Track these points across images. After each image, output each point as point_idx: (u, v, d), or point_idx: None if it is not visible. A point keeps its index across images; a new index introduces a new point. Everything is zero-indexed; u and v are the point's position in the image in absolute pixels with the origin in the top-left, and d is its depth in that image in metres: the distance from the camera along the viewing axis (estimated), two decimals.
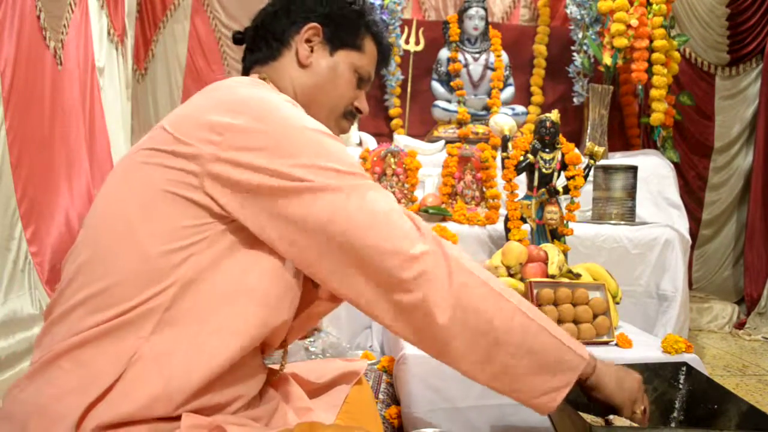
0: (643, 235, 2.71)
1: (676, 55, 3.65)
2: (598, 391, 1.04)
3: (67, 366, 0.81)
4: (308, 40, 1.09)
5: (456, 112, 3.59)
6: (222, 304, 0.85)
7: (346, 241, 0.85)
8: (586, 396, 1.06)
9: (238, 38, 1.16)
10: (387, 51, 1.19)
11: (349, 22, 1.11)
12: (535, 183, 2.43)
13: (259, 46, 1.11)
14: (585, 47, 3.71)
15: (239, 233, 0.87)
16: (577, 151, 2.51)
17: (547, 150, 2.44)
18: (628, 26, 3.39)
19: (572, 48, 3.83)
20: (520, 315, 0.93)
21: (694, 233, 4.11)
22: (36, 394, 0.81)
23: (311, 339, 2.20)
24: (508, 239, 2.46)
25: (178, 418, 0.82)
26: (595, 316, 2.00)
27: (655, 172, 3.22)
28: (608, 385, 1.03)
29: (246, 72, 1.13)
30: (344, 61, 1.10)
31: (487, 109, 3.67)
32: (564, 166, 2.46)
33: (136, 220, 0.85)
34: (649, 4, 3.47)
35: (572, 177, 2.47)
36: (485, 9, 3.74)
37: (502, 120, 2.80)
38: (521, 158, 2.45)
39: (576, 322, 1.97)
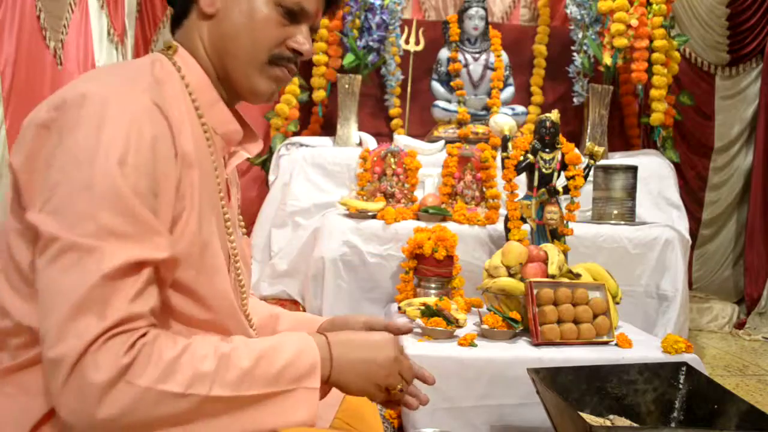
0: (643, 235, 2.70)
1: (676, 55, 3.65)
2: (347, 390, 0.87)
3: (10, 391, 0.77)
4: None
5: (456, 112, 3.58)
6: None
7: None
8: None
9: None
10: None
11: None
12: (535, 183, 2.43)
13: (173, 5, 0.95)
14: (585, 47, 3.71)
15: None
16: (577, 151, 2.51)
17: (547, 150, 2.44)
18: (628, 26, 3.39)
19: (572, 48, 3.82)
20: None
21: (694, 233, 4.10)
22: None
23: None
24: (508, 239, 2.46)
25: None
26: (595, 316, 2.00)
27: (655, 172, 3.22)
28: (351, 381, 0.86)
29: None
30: None
31: (487, 109, 3.67)
32: (564, 166, 2.46)
33: (8, 270, 0.80)
34: (649, 4, 3.46)
35: (572, 177, 2.47)
36: (485, 9, 3.74)
37: (502, 120, 2.80)
38: (521, 158, 2.45)
39: (576, 322, 1.97)
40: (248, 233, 1.07)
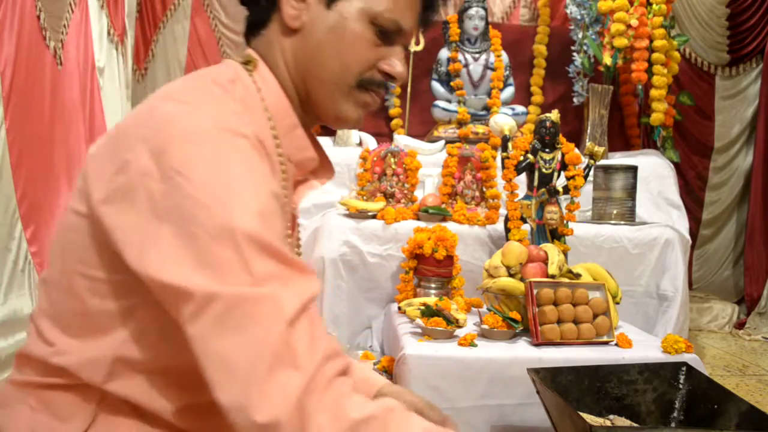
0: (643, 235, 2.71)
1: (676, 55, 3.65)
2: None
3: (34, 404, 0.74)
4: None
5: (456, 112, 3.58)
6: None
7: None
8: None
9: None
10: None
11: None
12: (535, 183, 2.43)
13: (250, 7, 0.85)
14: (585, 47, 3.71)
15: None
16: (577, 151, 2.51)
17: (547, 150, 2.44)
18: (628, 26, 3.39)
19: (572, 48, 3.82)
20: None
21: (694, 233, 4.11)
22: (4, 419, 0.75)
23: None
24: (508, 239, 2.46)
25: None
26: (595, 316, 2.00)
27: (655, 172, 3.22)
28: None
29: (248, 45, 0.88)
30: (349, 11, 0.79)
31: (487, 109, 3.67)
32: (564, 166, 2.46)
33: (74, 276, 0.74)
34: (649, 4, 3.47)
35: (572, 177, 2.47)
36: (485, 9, 3.74)
37: (502, 120, 2.79)
38: (521, 158, 2.45)
39: (576, 322, 1.97)
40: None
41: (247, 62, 0.82)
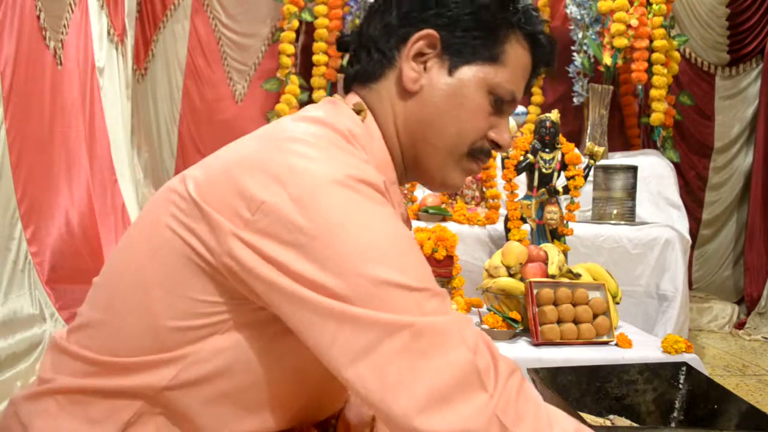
0: (643, 235, 2.70)
1: (676, 55, 3.65)
2: None
3: (52, 410, 0.73)
4: (419, 54, 0.79)
5: None
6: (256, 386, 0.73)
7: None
8: None
9: (340, 43, 0.88)
10: (548, 50, 0.86)
11: (481, 24, 0.78)
12: (535, 183, 2.43)
13: (359, 56, 0.83)
14: (585, 47, 3.71)
15: (264, 319, 0.70)
16: (577, 151, 2.51)
17: (547, 150, 2.44)
18: (628, 26, 3.39)
19: (572, 48, 3.82)
20: None
21: (694, 233, 4.11)
22: (28, 415, 0.75)
23: None
24: (508, 239, 2.46)
25: None
26: (595, 316, 2.00)
27: (655, 172, 3.22)
28: None
29: (347, 90, 0.86)
30: (471, 80, 0.78)
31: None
32: (564, 166, 2.46)
33: (154, 290, 0.71)
34: (649, 4, 3.47)
35: (572, 177, 2.47)
36: None
37: None
38: (521, 158, 2.45)
39: (576, 322, 1.97)
40: None
41: (358, 111, 0.80)
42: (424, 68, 0.79)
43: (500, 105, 0.80)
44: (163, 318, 0.70)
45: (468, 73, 0.78)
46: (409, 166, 0.84)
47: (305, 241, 0.64)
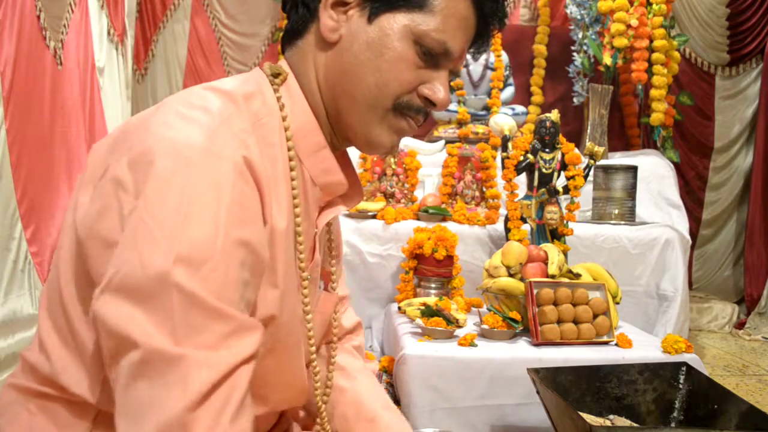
0: (643, 235, 2.70)
1: (676, 55, 3.65)
2: None
3: (33, 409, 0.72)
4: (340, 4, 0.75)
5: (456, 112, 3.58)
6: None
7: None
8: None
9: (283, 3, 0.83)
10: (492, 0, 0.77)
11: None
12: (535, 183, 2.43)
13: (290, 16, 0.80)
14: (585, 47, 3.71)
15: None
16: (577, 151, 2.51)
17: (547, 150, 2.44)
18: (628, 26, 3.39)
19: (572, 48, 3.83)
20: None
21: (694, 233, 4.11)
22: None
23: None
24: (508, 239, 2.46)
25: None
26: (595, 316, 2.00)
27: (655, 172, 3.22)
28: None
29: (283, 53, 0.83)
30: (392, 27, 0.73)
31: (487, 109, 3.66)
32: (564, 166, 2.46)
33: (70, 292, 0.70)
34: (649, 4, 3.47)
35: (572, 177, 2.47)
36: None
37: (502, 120, 2.79)
38: (521, 158, 2.45)
39: (576, 322, 1.97)
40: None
41: (276, 74, 0.77)
42: (346, 18, 0.74)
43: (432, 58, 0.74)
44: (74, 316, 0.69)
45: (390, 20, 0.73)
46: (335, 124, 0.79)
47: (125, 213, 0.62)
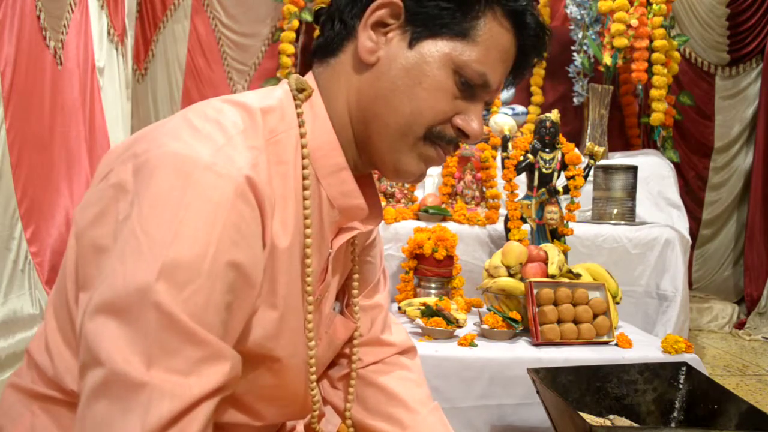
0: (643, 235, 2.70)
1: (676, 55, 3.65)
2: None
3: (36, 411, 0.73)
4: (380, 24, 0.72)
5: None
6: None
7: None
8: None
9: (317, 14, 0.80)
10: (535, 33, 0.75)
11: None
12: (535, 183, 2.43)
13: (325, 28, 0.77)
14: (585, 47, 3.71)
15: None
16: (577, 151, 2.51)
17: (547, 150, 2.44)
18: (628, 26, 3.39)
19: (572, 48, 3.82)
20: None
21: (694, 233, 4.11)
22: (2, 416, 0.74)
23: None
24: (508, 239, 2.46)
25: None
26: (595, 316, 2.00)
27: (655, 172, 3.22)
28: None
29: (310, 66, 0.80)
30: (434, 55, 0.71)
31: (487, 109, 3.67)
32: (564, 166, 2.46)
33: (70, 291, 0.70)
34: (649, 4, 3.47)
35: (572, 177, 2.47)
36: None
37: (502, 120, 2.79)
38: (521, 158, 2.45)
39: (576, 322, 1.97)
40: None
41: (301, 90, 0.74)
42: (385, 40, 0.72)
43: (470, 89, 0.72)
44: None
45: (431, 47, 0.70)
46: (361, 148, 0.76)
47: (121, 218, 0.62)
